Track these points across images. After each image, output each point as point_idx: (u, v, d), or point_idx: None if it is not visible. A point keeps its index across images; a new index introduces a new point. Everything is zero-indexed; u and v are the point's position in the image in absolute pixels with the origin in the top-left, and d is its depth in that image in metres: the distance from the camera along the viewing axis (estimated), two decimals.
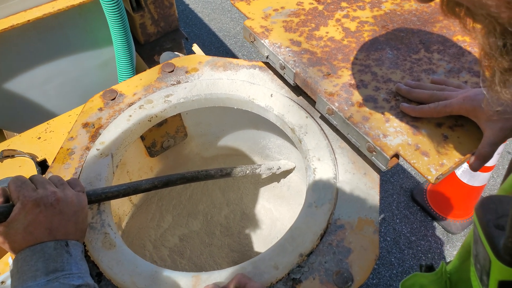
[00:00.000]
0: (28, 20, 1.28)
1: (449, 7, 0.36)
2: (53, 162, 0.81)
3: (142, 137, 1.00)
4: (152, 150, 1.04)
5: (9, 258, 0.79)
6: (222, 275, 0.66)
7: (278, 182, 1.19)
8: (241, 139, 1.16)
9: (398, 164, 2.14)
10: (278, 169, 1.08)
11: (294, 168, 1.13)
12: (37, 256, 0.59)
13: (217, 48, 2.85)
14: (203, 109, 0.97)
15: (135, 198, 1.12)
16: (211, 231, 1.17)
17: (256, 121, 1.07)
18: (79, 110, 1.21)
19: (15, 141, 1.20)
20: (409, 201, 2.04)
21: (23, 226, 0.60)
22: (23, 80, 1.45)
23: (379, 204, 0.74)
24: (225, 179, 1.26)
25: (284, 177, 1.17)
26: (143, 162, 1.07)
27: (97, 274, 0.68)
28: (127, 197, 1.08)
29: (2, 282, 0.76)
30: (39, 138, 1.21)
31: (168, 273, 0.66)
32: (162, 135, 1.03)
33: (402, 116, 0.73)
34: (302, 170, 1.12)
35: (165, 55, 1.33)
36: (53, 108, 1.58)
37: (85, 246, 0.70)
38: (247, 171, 0.99)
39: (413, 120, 0.72)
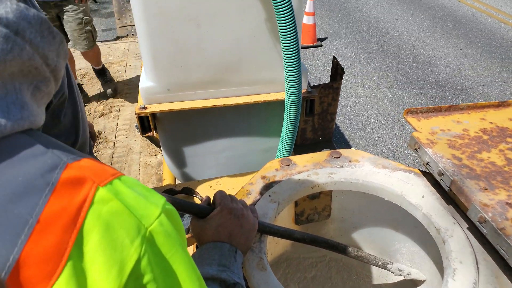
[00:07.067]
0: (231, 104, 1.66)
1: None
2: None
3: (296, 203, 1.18)
4: (299, 218, 1.21)
5: None
6: None
7: None
8: (376, 235, 1.24)
9: None
10: (408, 274, 1.10)
11: (424, 281, 1.13)
12: (216, 250, 0.78)
13: None
14: (352, 196, 1.11)
15: (269, 256, 1.26)
16: None
17: (397, 221, 1.15)
18: (240, 176, 1.51)
19: (194, 183, 1.52)
20: None
21: (216, 225, 0.80)
22: (203, 148, 1.81)
23: None
24: (349, 272, 1.31)
25: None
26: (289, 227, 1.23)
27: None
28: None
29: None
30: (211, 187, 1.51)
31: None
32: (311, 207, 1.20)
33: None
34: (431, 285, 1.11)
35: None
36: (217, 172, 1.91)
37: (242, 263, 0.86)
38: (379, 262, 1.06)
39: None
